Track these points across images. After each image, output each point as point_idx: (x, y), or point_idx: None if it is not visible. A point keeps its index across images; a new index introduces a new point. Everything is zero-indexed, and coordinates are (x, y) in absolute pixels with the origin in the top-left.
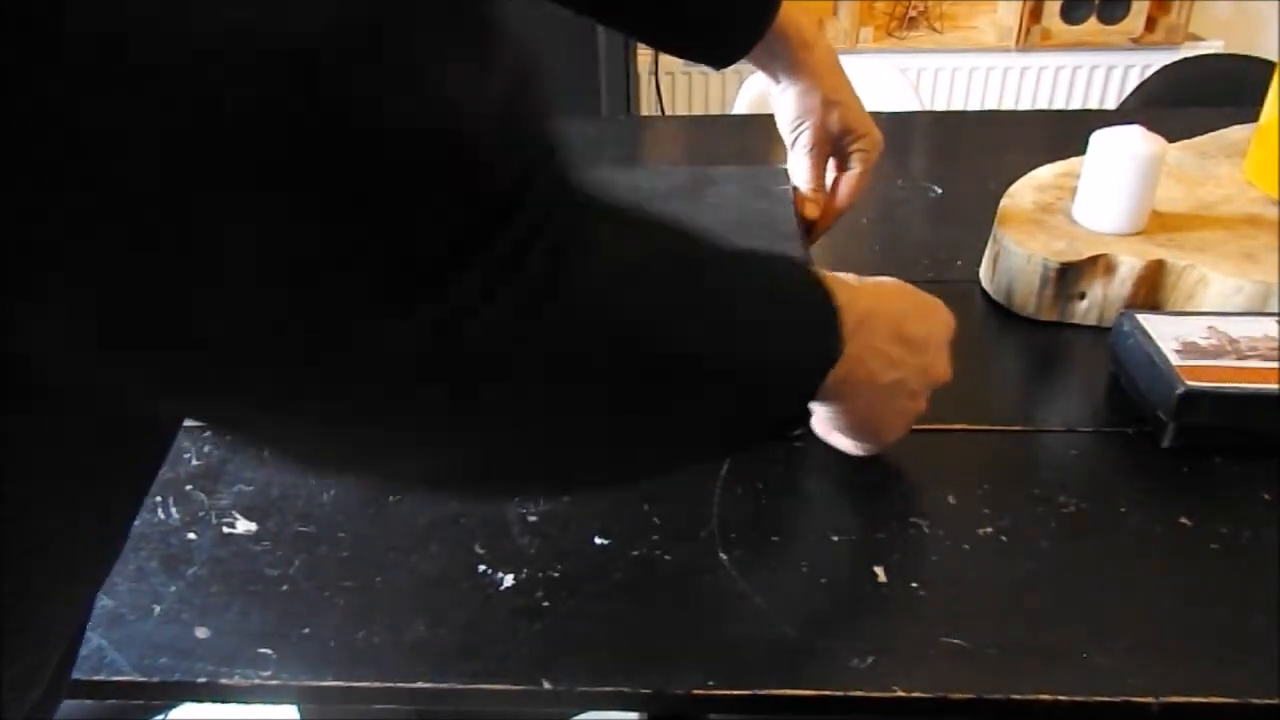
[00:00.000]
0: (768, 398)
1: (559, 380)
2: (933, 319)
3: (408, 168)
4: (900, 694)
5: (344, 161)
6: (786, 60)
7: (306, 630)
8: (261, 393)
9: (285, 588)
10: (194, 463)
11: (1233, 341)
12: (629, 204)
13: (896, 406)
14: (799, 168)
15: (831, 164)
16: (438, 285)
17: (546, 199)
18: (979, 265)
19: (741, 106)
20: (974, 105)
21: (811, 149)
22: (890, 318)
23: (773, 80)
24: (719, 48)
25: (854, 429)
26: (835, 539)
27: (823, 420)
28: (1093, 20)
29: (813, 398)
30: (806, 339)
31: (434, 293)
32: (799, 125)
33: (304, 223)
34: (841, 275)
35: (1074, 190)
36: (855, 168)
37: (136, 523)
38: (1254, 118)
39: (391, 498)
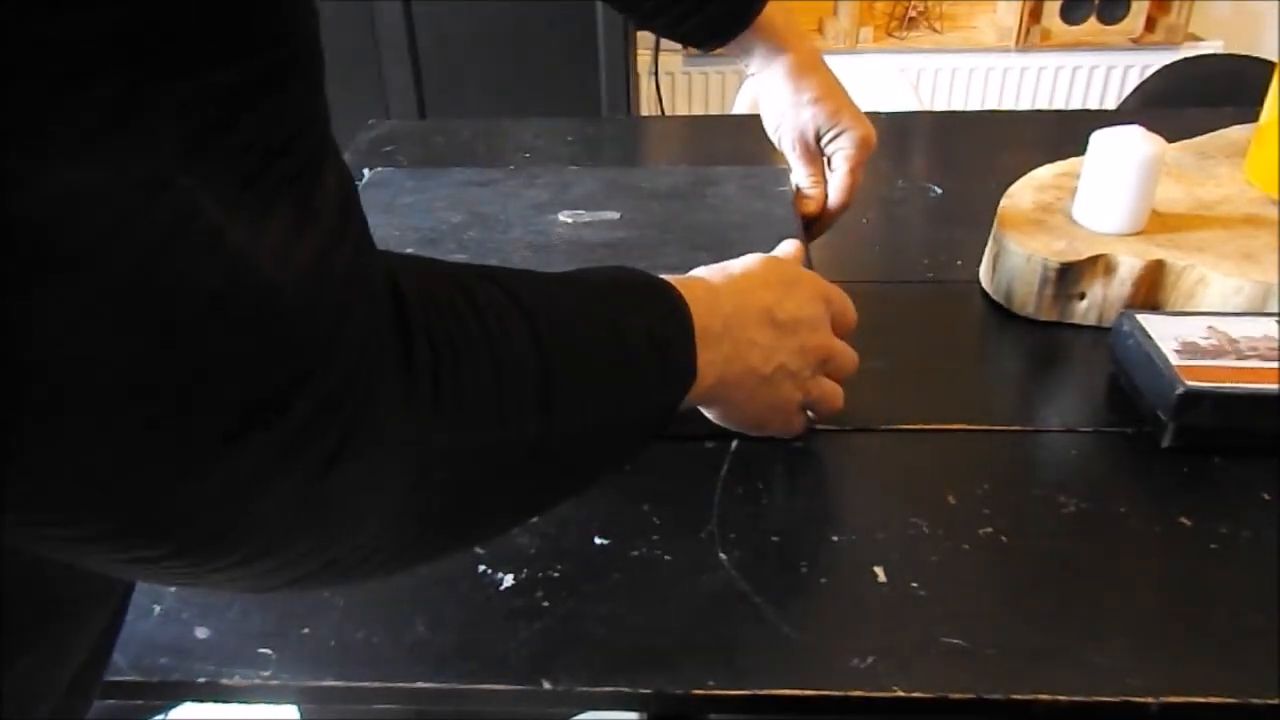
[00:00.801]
0: (629, 443)
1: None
2: (802, 295)
3: (203, 332)
4: (900, 694)
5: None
6: (760, 59)
7: (306, 630)
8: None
9: None
10: None
11: (1232, 341)
12: (463, 292)
13: (781, 394)
14: (793, 166)
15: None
16: (238, 443)
17: (356, 357)
18: (979, 265)
19: (741, 106)
20: (974, 105)
21: (793, 148)
22: (759, 307)
23: (752, 76)
24: (702, 27)
25: (744, 423)
26: (835, 539)
27: (716, 417)
28: (1092, 20)
29: (672, 416)
30: (662, 375)
31: (234, 450)
32: (776, 126)
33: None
34: (704, 272)
35: (1074, 190)
36: (839, 167)
37: None
38: (1254, 118)
39: None
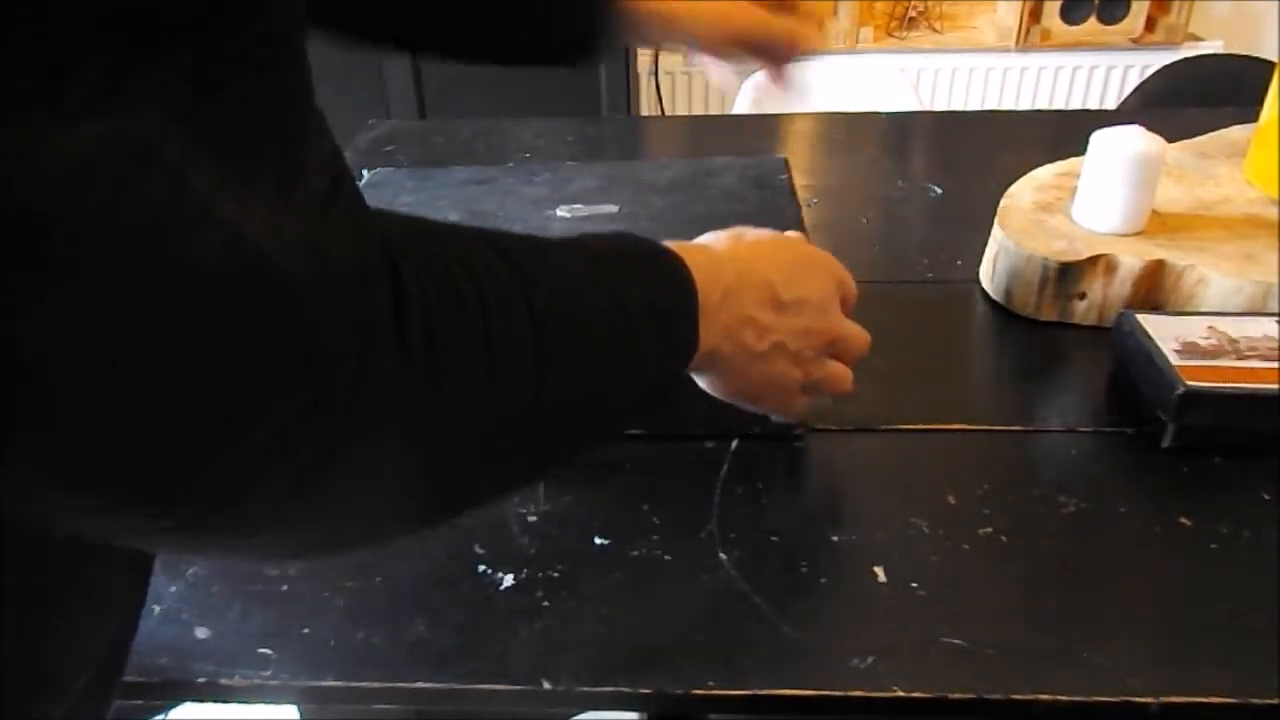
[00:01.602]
0: (625, 413)
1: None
2: (812, 277)
3: (199, 310)
4: (900, 694)
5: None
6: (650, 19)
7: (306, 630)
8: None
9: (285, 588)
10: None
11: (1232, 341)
12: (460, 259)
13: (776, 371)
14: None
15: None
16: (238, 425)
17: (353, 331)
18: (979, 265)
19: (741, 106)
20: (974, 105)
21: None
22: (761, 283)
23: (678, 46)
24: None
25: (735, 395)
26: (835, 539)
27: (706, 385)
28: (1092, 20)
29: (672, 386)
30: (662, 345)
31: (235, 431)
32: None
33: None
34: (711, 241)
35: (1074, 190)
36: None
37: None
38: (1254, 118)
39: None
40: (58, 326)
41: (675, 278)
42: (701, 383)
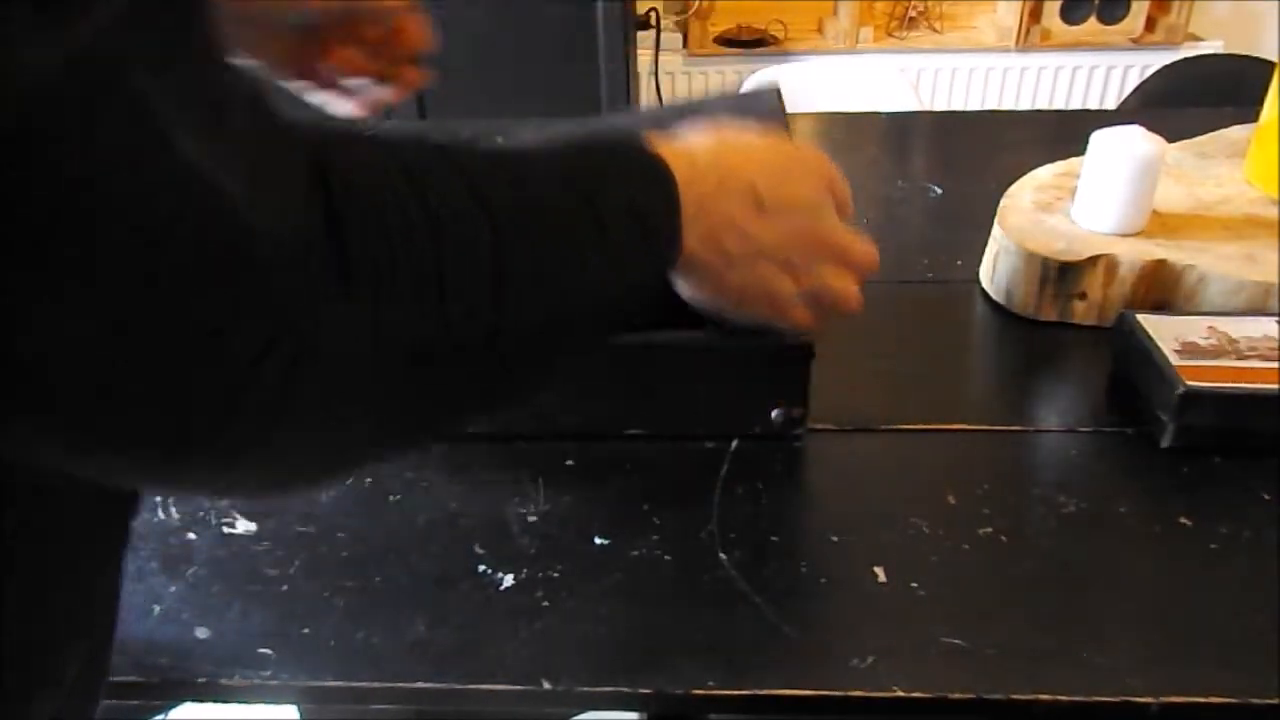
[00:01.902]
0: (605, 324)
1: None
2: (800, 180)
3: (164, 252)
4: (900, 694)
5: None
6: None
7: (306, 630)
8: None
9: (285, 588)
10: None
11: (1232, 341)
12: (406, 176)
13: (762, 278)
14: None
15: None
16: (194, 363)
17: (289, 266)
18: (979, 265)
19: None
20: (974, 105)
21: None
22: (744, 187)
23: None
24: None
25: (717, 304)
26: (835, 539)
27: (688, 294)
28: (1092, 20)
29: (655, 291)
30: (644, 249)
31: (190, 370)
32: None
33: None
34: (691, 139)
35: (1074, 190)
36: None
37: (136, 523)
38: (1254, 118)
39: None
40: (19, 256)
41: (657, 175)
42: (681, 290)
